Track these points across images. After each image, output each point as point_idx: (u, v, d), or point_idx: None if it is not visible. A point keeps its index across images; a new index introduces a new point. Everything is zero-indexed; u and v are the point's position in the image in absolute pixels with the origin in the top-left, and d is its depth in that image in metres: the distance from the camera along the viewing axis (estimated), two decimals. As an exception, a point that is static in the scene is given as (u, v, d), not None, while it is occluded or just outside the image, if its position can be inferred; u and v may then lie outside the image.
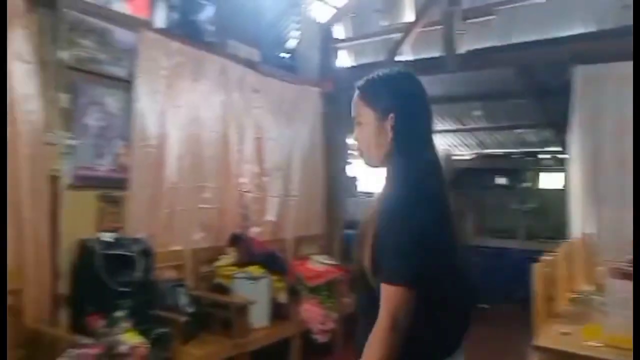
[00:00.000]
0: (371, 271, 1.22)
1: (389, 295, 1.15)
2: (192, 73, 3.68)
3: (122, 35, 3.19)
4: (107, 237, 2.95)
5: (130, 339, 2.21)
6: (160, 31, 3.46)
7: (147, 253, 3.04)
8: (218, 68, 3.91)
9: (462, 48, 4.35)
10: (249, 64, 4.20)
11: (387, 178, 1.30)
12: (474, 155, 7.43)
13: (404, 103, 1.30)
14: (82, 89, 3.00)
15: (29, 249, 2.69)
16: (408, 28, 4.60)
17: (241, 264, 3.61)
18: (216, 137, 3.87)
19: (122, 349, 2.11)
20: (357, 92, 1.37)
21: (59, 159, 2.82)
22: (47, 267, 2.77)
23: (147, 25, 3.36)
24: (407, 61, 4.63)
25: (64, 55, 2.81)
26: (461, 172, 7.06)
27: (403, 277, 1.15)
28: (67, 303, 2.84)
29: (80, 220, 2.96)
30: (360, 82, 1.38)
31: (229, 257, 3.68)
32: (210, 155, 3.82)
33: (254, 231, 4.06)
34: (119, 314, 2.19)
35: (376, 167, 1.35)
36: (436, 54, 4.48)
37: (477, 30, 4.37)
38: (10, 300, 2.59)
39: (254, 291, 3.45)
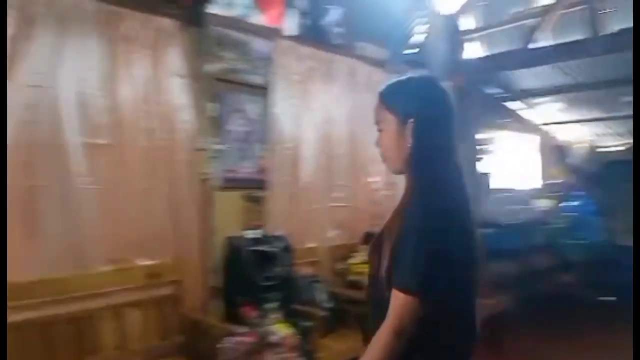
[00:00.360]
0: (386, 278, 1.20)
1: (398, 301, 1.15)
2: (323, 76, 3.82)
3: (258, 45, 3.41)
4: (252, 234, 3.16)
5: (281, 329, 2.34)
6: (292, 38, 3.63)
7: (287, 249, 3.21)
8: (347, 69, 4.00)
9: (608, 28, 3.94)
10: (377, 63, 4.23)
11: (406, 185, 1.28)
12: (627, 145, 6.69)
13: (424, 109, 1.27)
14: (226, 98, 3.26)
15: (185, 245, 2.99)
16: (546, 11, 4.29)
17: (374, 261, 3.63)
18: (347, 137, 3.96)
19: (274, 339, 2.24)
20: (378, 97, 1.36)
21: (209, 163, 3.09)
22: (201, 261, 3.05)
23: (280, 33, 3.55)
24: (545, 47, 4.32)
25: (211, 68, 3.09)
26: (611, 164, 6.39)
27: (414, 286, 1.14)
28: (219, 294, 3.10)
29: (228, 219, 3.21)
30: (381, 88, 1.36)
31: (362, 254, 3.74)
32: (342, 154, 3.92)
33: (386, 229, 4.06)
34: (269, 305, 2.33)
35: (398, 173, 1.33)
36: (579, 37, 4.12)
37: (624, 6, 3.94)
38: (171, 290, 2.92)
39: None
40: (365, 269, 3.64)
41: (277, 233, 3.31)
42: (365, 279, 3.45)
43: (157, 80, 2.89)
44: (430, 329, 1.16)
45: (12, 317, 2.32)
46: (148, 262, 2.85)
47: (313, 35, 3.84)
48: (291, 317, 2.79)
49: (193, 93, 3.03)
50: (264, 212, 3.41)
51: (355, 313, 3.38)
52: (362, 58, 4.13)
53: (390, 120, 1.31)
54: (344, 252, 3.84)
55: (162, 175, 2.90)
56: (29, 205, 2.45)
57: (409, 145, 1.26)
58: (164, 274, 2.89)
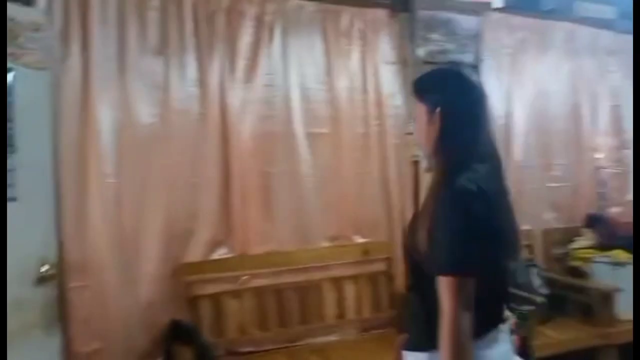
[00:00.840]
0: (425, 260, 1.26)
1: (445, 286, 1.19)
2: (536, 46, 3.55)
3: (466, 22, 3.31)
4: (462, 214, 3.14)
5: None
6: (501, 10, 3.44)
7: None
8: (564, 35, 3.64)
9: None
10: (602, 24, 3.75)
11: (435, 170, 1.34)
12: None
13: (449, 98, 1.35)
14: (434, 80, 3.25)
15: (396, 225, 3.12)
16: None
17: (601, 247, 3.31)
18: (565, 110, 3.63)
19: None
20: (412, 87, 1.47)
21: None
22: (411, 241, 3.15)
23: (489, 7, 3.39)
24: None
25: (420, 51, 3.13)
26: None
27: (456, 268, 1.19)
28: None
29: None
30: (414, 79, 1.48)
31: (585, 239, 3.42)
32: (560, 129, 3.61)
33: (614, 211, 3.65)
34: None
35: (430, 159, 1.38)
36: None
37: None
38: (383, 266, 3.09)
39: (617, 278, 3.11)
40: (590, 254, 3.37)
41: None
42: (589, 266, 3.22)
43: (369, 69, 3.04)
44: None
45: (253, 283, 2.78)
46: (363, 240, 3.07)
47: (524, 3, 3.57)
48: (507, 300, 2.72)
49: (403, 78, 3.11)
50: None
51: (576, 301, 3.14)
52: (582, 20, 3.70)
53: (422, 108, 1.39)
54: (563, 235, 3.56)
55: (374, 160, 3.07)
56: (266, 189, 2.83)
57: (436, 132, 1.33)
58: (377, 251, 3.07)
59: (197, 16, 2.64)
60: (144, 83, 2.53)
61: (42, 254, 2.10)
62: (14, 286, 2.00)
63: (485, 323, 1.28)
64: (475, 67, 3.30)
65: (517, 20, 3.48)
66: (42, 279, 2.08)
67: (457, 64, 3.28)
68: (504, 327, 1.38)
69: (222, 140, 2.70)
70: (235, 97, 2.72)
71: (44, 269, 2.08)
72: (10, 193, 2.00)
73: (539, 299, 2.94)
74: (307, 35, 2.91)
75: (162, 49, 2.58)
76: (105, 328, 2.41)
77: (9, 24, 2.02)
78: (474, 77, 1.46)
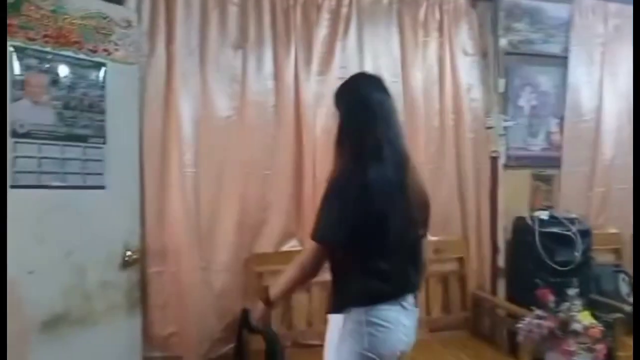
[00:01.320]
0: None
1: (308, 246, 1.49)
2: (631, 35, 3.27)
3: (553, 10, 3.13)
4: (543, 215, 2.99)
5: (583, 318, 2.18)
6: (594, -4, 3.21)
7: (585, 233, 2.93)
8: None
9: None
10: None
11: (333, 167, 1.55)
12: None
13: (344, 108, 1.59)
14: (516, 72, 3.12)
15: (471, 223, 3.02)
16: None
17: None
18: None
19: (577, 327, 2.10)
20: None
21: (497, 141, 3.02)
22: (486, 240, 3.04)
23: (580, -7, 3.17)
24: None
25: (502, 42, 2.99)
26: None
27: (317, 237, 1.45)
28: (506, 275, 3.05)
29: (515, 198, 3.10)
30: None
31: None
32: (655, 126, 3.33)
33: None
34: (570, 291, 2.19)
35: None
36: None
37: None
38: (455, 266, 3.01)
39: None
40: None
41: (570, 215, 3.04)
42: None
43: (447, 61, 2.95)
44: (358, 269, 1.48)
45: (321, 277, 2.75)
46: (434, 238, 2.98)
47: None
48: (590, 307, 2.56)
49: (482, 70, 3.00)
50: (555, 192, 3.19)
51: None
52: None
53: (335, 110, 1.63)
54: (654, 240, 3.29)
55: (450, 155, 2.98)
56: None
57: (336, 135, 1.56)
58: (449, 250, 2.99)
59: (274, 10, 2.67)
60: (223, 76, 2.60)
61: (126, 240, 2.23)
62: (101, 269, 2.14)
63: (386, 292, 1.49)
64: (560, 58, 3.12)
65: (612, 7, 3.24)
66: (126, 264, 2.21)
67: (543, 54, 3.13)
68: (406, 303, 1.53)
69: (295, 133, 2.72)
70: (310, 90, 2.72)
71: (128, 253, 2.21)
72: (99, 182, 2.13)
73: (627, 308, 2.73)
74: (383, 27, 2.86)
75: (240, 43, 2.63)
76: (181, 313, 2.51)
77: (103, 22, 2.13)
78: (374, 87, 1.59)
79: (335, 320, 1.52)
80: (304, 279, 1.53)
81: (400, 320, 1.50)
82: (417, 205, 1.57)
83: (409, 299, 1.55)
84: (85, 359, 2.09)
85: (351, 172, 1.45)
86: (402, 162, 1.53)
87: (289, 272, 1.53)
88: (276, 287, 1.57)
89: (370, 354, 1.46)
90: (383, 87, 1.60)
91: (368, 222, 1.43)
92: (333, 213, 1.44)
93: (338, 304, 1.52)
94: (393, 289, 1.50)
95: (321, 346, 2.73)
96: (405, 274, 1.54)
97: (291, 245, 2.78)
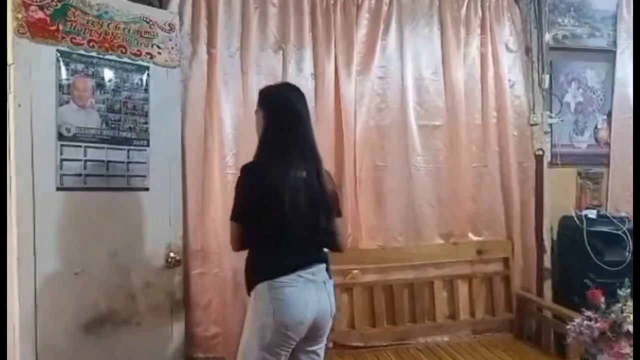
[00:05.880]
0: None
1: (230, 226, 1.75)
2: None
3: (600, 3, 3.04)
4: (590, 214, 2.88)
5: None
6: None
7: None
8: None
9: None
10: None
11: None
12: None
13: (261, 112, 1.82)
14: (561, 67, 3.04)
15: (515, 223, 2.94)
16: None
17: None
18: None
19: (630, 328, 2.02)
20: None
21: (542, 138, 2.94)
22: (531, 240, 2.95)
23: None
24: None
25: (546, 37, 2.91)
26: None
27: (231, 216, 1.73)
28: (553, 275, 2.97)
29: (561, 197, 3.01)
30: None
31: None
32: None
33: None
34: (622, 292, 2.10)
35: None
36: None
37: None
38: (500, 267, 2.93)
39: None
40: None
41: (620, 214, 2.94)
42: None
43: (489, 58, 2.88)
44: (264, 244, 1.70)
45: (363, 278, 2.75)
46: (479, 239, 2.92)
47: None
48: (641, 309, 2.45)
49: (525, 66, 2.92)
50: (603, 190, 3.09)
51: None
52: None
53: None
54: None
55: (493, 153, 2.90)
56: (377, 183, 2.78)
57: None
58: (493, 251, 2.92)
59: (314, 10, 2.66)
60: (263, 78, 2.59)
61: (169, 241, 2.24)
62: (144, 270, 2.16)
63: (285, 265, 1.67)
64: (608, 52, 3.01)
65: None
66: (169, 265, 2.22)
67: (589, 49, 3.03)
68: (309, 275, 1.69)
69: (335, 133, 2.70)
70: (350, 90, 2.70)
71: (171, 255, 2.22)
72: (142, 184, 2.16)
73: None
74: (424, 25, 2.82)
75: (280, 44, 2.63)
76: (224, 314, 2.51)
77: (146, 26, 2.16)
78: (297, 96, 1.81)
79: (250, 298, 1.74)
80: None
81: (301, 292, 1.66)
82: (319, 192, 1.74)
83: (314, 271, 1.71)
84: (129, 359, 2.11)
85: (259, 164, 1.74)
86: (307, 159, 1.75)
87: None
88: None
89: (275, 325, 1.62)
90: (303, 97, 1.83)
91: (264, 205, 1.66)
92: (239, 196, 1.72)
93: (248, 283, 1.73)
94: (289, 263, 1.67)
95: (364, 348, 2.74)
96: (303, 249, 1.71)
97: (331, 246, 2.75)
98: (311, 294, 1.69)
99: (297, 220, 1.67)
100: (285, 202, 1.65)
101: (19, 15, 1.80)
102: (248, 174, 1.73)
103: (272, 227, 1.66)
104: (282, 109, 1.78)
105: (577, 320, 2.11)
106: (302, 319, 1.65)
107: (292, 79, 2.61)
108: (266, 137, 1.77)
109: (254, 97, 2.53)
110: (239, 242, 1.74)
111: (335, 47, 2.68)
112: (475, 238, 2.92)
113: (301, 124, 1.77)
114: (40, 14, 1.86)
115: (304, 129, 1.77)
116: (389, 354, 2.65)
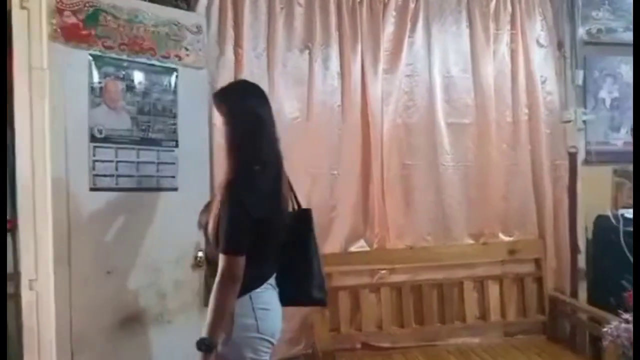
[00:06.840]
0: (214, 241, 1.54)
1: (222, 261, 1.47)
2: None
3: (637, -5, 2.91)
4: (628, 213, 2.79)
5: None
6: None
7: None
8: None
9: None
10: None
11: (226, 172, 1.56)
12: None
13: (230, 115, 1.61)
14: (595, 63, 2.96)
15: (548, 223, 2.88)
16: None
17: None
18: None
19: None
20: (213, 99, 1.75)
21: (576, 136, 2.87)
22: (565, 240, 2.88)
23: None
24: None
25: (579, 32, 2.83)
26: None
27: (229, 249, 1.48)
28: (588, 276, 2.89)
29: (596, 196, 2.93)
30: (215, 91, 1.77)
31: None
32: None
33: None
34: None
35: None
36: None
37: None
38: (532, 267, 2.87)
39: None
40: None
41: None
42: None
43: (520, 54, 2.83)
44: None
45: (391, 279, 2.74)
46: (510, 239, 2.87)
47: None
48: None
49: (557, 62, 2.86)
50: (640, 189, 2.97)
51: None
52: None
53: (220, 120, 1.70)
54: None
55: (524, 151, 2.85)
56: (406, 182, 2.76)
57: (225, 141, 1.60)
58: (525, 251, 2.86)
59: (340, 9, 2.65)
60: (290, 78, 2.61)
61: (198, 241, 2.26)
62: (173, 269, 2.19)
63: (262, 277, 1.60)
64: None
65: None
66: (197, 264, 2.24)
67: (625, 44, 2.93)
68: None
69: (362, 132, 2.69)
70: (377, 88, 2.68)
71: (200, 254, 2.24)
72: (172, 184, 2.19)
73: None
74: (452, 22, 2.78)
75: (307, 44, 2.63)
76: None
77: (175, 28, 2.19)
78: (261, 98, 1.66)
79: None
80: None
81: (276, 301, 1.65)
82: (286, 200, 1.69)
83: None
84: (160, 357, 2.14)
85: (242, 181, 1.51)
86: (279, 168, 1.64)
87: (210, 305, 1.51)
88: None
89: (263, 336, 1.58)
90: (265, 97, 1.70)
91: (257, 226, 1.50)
92: (236, 223, 1.48)
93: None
94: (264, 272, 1.62)
95: (392, 349, 2.72)
96: (273, 260, 1.66)
97: (359, 245, 2.76)
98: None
99: (277, 234, 1.63)
100: (276, 223, 1.60)
101: (54, 21, 1.85)
102: (244, 195, 1.56)
103: (261, 248, 1.58)
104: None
105: (614, 323, 2.05)
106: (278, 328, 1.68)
107: (319, 78, 2.63)
108: (244, 148, 1.60)
109: (281, 97, 2.59)
110: (239, 275, 1.51)
111: (361, 45, 2.67)
112: (506, 238, 2.87)
113: (269, 131, 1.66)
114: (74, 19, 1.90)
115: (270, 134, 1.67)
116: (418, 355, 2.61)
